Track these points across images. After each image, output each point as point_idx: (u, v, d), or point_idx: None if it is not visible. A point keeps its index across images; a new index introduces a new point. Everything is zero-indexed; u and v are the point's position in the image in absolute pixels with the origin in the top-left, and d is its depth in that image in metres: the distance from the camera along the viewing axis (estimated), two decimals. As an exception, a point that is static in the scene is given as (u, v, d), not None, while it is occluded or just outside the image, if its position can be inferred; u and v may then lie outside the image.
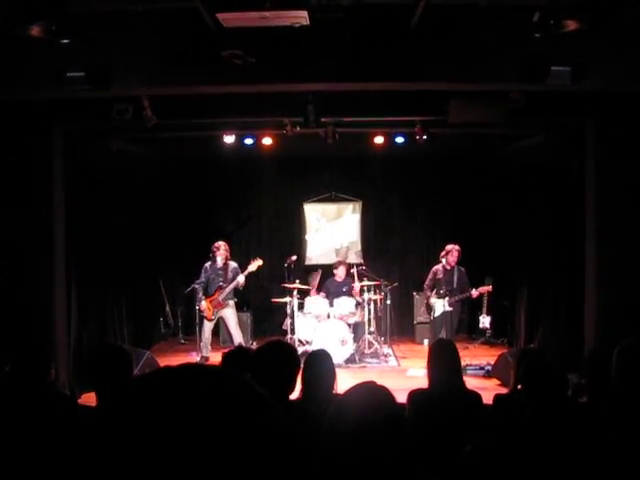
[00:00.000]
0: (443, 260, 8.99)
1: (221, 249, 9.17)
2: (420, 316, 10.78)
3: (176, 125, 8.39)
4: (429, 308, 9.20)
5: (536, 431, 2.56)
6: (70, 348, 7.75)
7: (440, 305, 8.89)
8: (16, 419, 3.01)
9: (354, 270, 10.06)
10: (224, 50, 5.68)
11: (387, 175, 11.42)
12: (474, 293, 8.82)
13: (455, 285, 8.84)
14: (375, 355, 9.71)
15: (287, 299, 9.96)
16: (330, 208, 12.02)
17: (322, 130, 8.35)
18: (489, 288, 9.07)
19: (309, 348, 9.05)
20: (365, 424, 1.84)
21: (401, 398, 2.75)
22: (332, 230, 12.01)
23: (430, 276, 9.15)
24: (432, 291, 9.09)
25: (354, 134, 9.19)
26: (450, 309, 8.76)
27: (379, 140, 9.32)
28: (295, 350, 3.67)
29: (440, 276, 8.99)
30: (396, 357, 9.87)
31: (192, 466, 0.76)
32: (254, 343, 10.06)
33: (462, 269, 8.97)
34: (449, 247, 8.96)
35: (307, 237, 12.00)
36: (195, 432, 0.77)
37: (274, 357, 3.36)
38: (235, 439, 0.79)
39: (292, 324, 9.88)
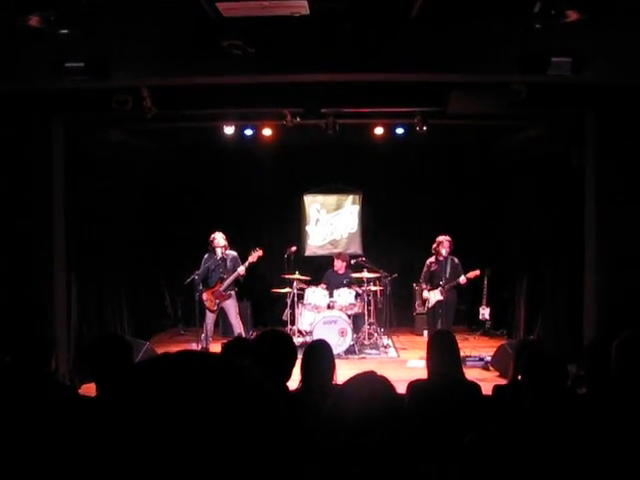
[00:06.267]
0: (442, 251, 8.97)
1: (216, 240, 9.11)
2: (419, 307, 10.82)
3: (176, 116, 8.37)
4: (424, 300, 9.25)
5: (535, 422, 2.57)
6: (70, 339, 7.77)
7: (434, 296, 8.91)
8: (16, 410, 3.02)
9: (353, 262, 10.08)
10: (224, 40, 5.65)
11: (387, 166, 11.39)
12: (462, 280, 8.83)
13: (448, 275, 8.86)
14: (375, 346, 9.73)
15: (287, 290, 9.98)
16: (330, 199, 12.01)
17: (322, 121, 8.33)
18: (477, 273, 9.04)
19: (309, 339, 9.07)
20: (365, 415, 1.85)
21: (401, 389, 2.75)
22: (332, 221, 12.01)
23: (425, 269, 9.19)
24: (427, 284, 9.12)
25: (354, 125, 9.17)
26: (442, 298, 8.77)
27: (379, 131, 9.31)
28: (292, 339, 3.69)
29: (434, 268, 9.02)
30: (395, 348, 9.89)
31: (191, 452, 0.76)
32: (254, 333, 10.07)
33: (455, 259, 8.98)
34: (440, 238, 8.97)
35: (307, 228, 12.01)
36: (194, 418, 0.78)
37: (271, 346, 3.38)
38: (234, 425, 0.79)
39: (292, 315, 9.90)
